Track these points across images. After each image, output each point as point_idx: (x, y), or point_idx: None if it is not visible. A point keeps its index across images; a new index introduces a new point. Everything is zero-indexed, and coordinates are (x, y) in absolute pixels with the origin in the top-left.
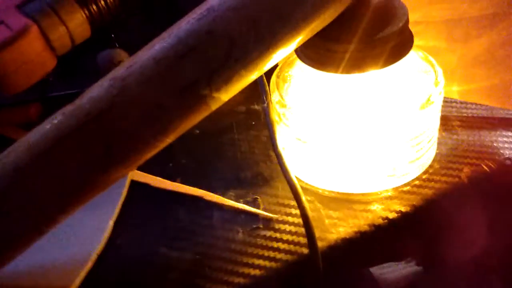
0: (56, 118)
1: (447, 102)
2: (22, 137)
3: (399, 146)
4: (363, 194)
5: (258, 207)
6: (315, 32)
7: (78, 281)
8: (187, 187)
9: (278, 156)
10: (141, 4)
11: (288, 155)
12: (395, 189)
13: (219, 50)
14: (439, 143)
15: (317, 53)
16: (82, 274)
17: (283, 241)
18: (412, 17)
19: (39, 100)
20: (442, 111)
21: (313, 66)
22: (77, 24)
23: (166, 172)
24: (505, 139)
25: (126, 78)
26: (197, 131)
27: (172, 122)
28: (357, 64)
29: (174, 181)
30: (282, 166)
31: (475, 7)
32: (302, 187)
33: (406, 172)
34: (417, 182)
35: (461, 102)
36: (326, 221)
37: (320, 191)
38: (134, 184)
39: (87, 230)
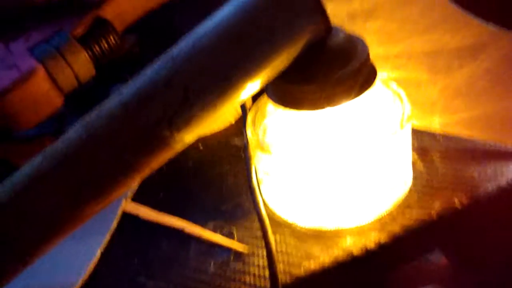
0: (37, 159)
1: (428, 134)
2: (9, 176)
3: (367, 179)
4: (336, 229)
5: (233, 238)
6: (272, 76)
7: None
8: (172, 218)
9: (251, 190)
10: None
11: (265, 188)
12: (363, 225)
13: (177, 96)
14: (416, 176)
15: (283, 94)
16: None
17: (250, 274)
18: (394, 49)
19: (54, 133)
20: (422, 142)
21: (281, 104)
22: (81, 64)
23: (156, 202)
24: (484, 172)
25: (95, 122)
26: (191, 163)
27: (137, 162)
28: (319, 102)
29: (162, 210)
30: (254, 199)
31: (456, 38)
32: (278, 221)
33: (375, 207)
34: (386, 217)
35: (442, 134)
36: (298, 255)
37: (296, 225)
38: (124, 214)
39: (75, 258)
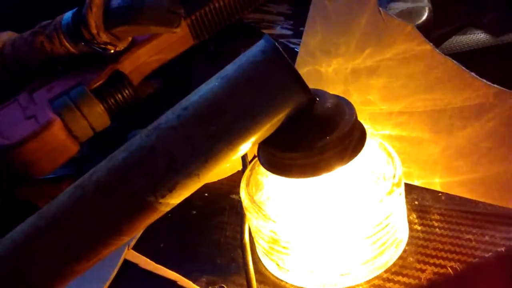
0: (33, 218)
1: (431, 192)
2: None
3: (355, 243)
4: None
5: None
6: (255, 144)
7: None
8: (167, 271)
9: (243, 248)
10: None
11: (260, 247)
12: (354, 287)
13: (161, 163)
14: (411, 237)
15: (272, 161)
16: None
17: None
18: (397, 107)
19: (73, 175)
20: (423, 201)
21: (271, 171)
22: (96, 116)
23: (157, 251)
24: (482, 238)
25: (86, 186)
26: (194, 212)
27: (124, 225)
28: (307, 169)
29: (161, 259)
30: (244, 258)
31: (460, 98)
32: (271, 280)
33: (366, 269)
34: (375, 281)
35: (444, 194)
36: None
37: (288, 285)
38: (126, 260)
39: None
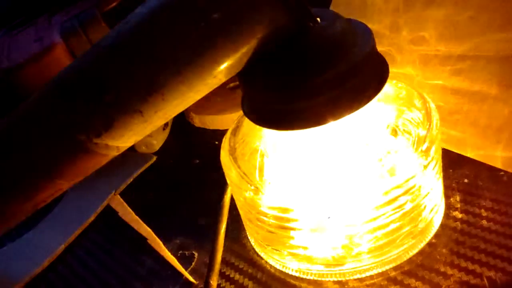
0: None
1: (488, 170)
2: None
3: (356, 229)
4: (314, 282)
5: (189, 264)
6: (222, 78)
7: None
8: (142, 225)
9: (218, 210)
10: None
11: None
12: (348, 281)
13: (91, 93)
14: (445, 227)
15: (256, 106)
16: None
17: None
18: (458, 48)
19: None
20: (476, 180)
21: (259, 124)
22: None
23: (143, 200)
24: None
25: (15, 118)
26: (197, 161)
27: (55, 166)
28: (296, 119)
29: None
30: (216, 225)
31: None
32: (250, 257)
33: (372, 256)
34: (376, 280)
35: (506, 175)
36: None
37: (268, 266)
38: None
39: (37, 248)
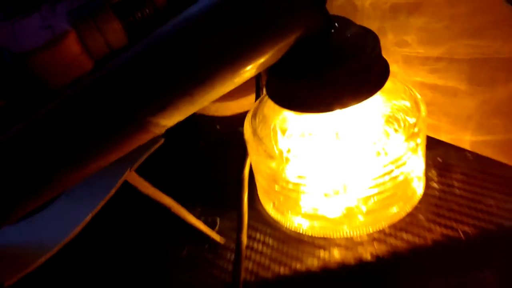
0: (23, 124)
1: (456, 151)
2: None
3: (360, 190)
4: (324, 238)
5: (213, 228)
6: (261, 68)
7: (36, 264)
8: (165, 196)
9: (239, 182)
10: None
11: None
12: (352, 238)
13: (151, 78)
14: (426, 194)
15: (281, 92)
16: (43, 259)
17: (218, 267)
18: (435, 51)
19: None
20: (448, 158)
21: (278, 104)
22: (113, 32)
23: (156, 178)
24: (505, 204)
25: (75, 95)
26: (201, 143)
27: (109, 140)
28: (315, 104)
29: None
30: (239, 192)
31: (507, 47)
32: (266, 220)
33: (364, 223)
34: (376, 235)
35: (471, 154)
36: (272, 257)
37: (283, 228)
38: (125, 183)
39: (66, 217)
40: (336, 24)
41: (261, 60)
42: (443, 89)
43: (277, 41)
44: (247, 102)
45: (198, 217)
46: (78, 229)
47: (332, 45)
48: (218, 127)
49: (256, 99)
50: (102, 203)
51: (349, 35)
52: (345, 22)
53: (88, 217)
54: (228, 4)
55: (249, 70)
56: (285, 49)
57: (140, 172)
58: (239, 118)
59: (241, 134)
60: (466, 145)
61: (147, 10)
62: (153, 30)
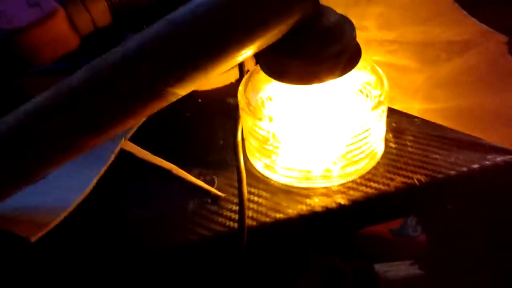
0: (47, 93)
1: (407, 117)
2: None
3: (338, 148)
4: (308, 188)
5: (212, 185)
6: (261, 47)
7: (53, 224)
8: (163, 161)
9: (235, 146)
10: None
11: (251, 146)
12: (331, 187)
13: (172, 55)
14: (386, 152)
15: (272, 66)
16: (59, 218)
17: (223, 216)
18: (389, 35)
19: (68, 70)
20: (400, 124)
21: (270, 76)
22: (99, 12)
23: (151, 145)
24: (447, 158)
25: (99, 67)
26: (188, 114)
27: (132, 107)
28: (305, 77)
29: (156, 153)
30: (236, 153)
31: (449, 33)
32: (256, 176)
33: (345, 172)
34: (350, 185)
35: (419, 120)
36: (268, 205)
37: (271, 180)
38: (122, 152)
39: (74, 181)
40: (322, 11)
41: (263, 41)
42: (396, 66)
43: (278, 25)
44: (223, 78)
45: (197, 177)
46: (87, 190)
47: (318, 29)
48: (200, 100)
49: (240, 77)
50: (105, 168)
51: (332, 21)
52: (329, 10)
53: (95, 179)
54: None
55: (251, 50)
56: (283, 32)
57: (133, 140)
58: (218, 92)
59: (227, 105)
60: (415, 112)
61: None
62: (139, 9)
